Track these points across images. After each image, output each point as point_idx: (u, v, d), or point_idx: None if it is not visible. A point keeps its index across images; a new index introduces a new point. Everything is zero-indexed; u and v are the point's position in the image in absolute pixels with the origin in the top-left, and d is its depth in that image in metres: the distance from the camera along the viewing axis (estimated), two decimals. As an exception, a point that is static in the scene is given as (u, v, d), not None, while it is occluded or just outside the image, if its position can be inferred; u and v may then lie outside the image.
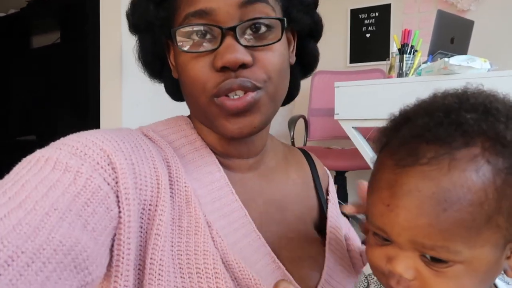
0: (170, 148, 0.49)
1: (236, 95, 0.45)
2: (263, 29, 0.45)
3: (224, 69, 0.44)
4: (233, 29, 0.43)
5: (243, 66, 0.44)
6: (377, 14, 2.84)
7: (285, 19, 0.47)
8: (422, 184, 0.33)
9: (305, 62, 0.59)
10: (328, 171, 0.69)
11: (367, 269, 0.48)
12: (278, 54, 0.47)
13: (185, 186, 0.46)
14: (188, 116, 0.57)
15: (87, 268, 0.34)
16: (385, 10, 2.80)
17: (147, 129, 0.51)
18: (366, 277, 0.48)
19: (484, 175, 0.32)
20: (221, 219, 0.48)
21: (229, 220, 0.48)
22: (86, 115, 2.08)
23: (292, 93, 0.58)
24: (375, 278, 0.46)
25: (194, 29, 0.45)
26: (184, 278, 0.42)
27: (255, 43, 0.45)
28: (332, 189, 0.65)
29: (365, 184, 0.46)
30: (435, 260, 0.34)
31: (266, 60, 0.46)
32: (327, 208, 0.61)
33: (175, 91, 0.57)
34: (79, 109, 2.27)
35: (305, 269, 0.52)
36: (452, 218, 0.32)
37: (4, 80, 2.97)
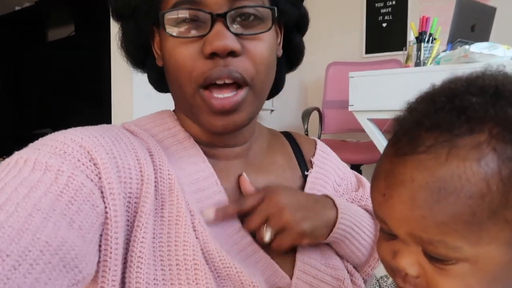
0: (153, 139, 0.49)
1: (225, 84, 0.44)
2: (252, 18, 0.45)
3: (212, 55, 0.43)
4: (223, 15, 0.43)
5: (232, 54, 0.43)
6: (394, 2, 2.76)
7: (275, 8, 0.46)
8: (416, 173, 0.31)
9: (291, 56, 0.58)
10: (317, 140, 0.68)
11: (378, 272, 0.46)
12: (267, 45, 0.47)
13: (169, 174, 0.46)
14: (173, 110, 0.57)
15: (77, 266, 0.34)
16: (403, -2, 2.72)
17: (129, 124, 0.51)
18: (377, 280, 0.46)
19: (487, 164, 0.29)
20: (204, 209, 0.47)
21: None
22: (99, 108, 2.09)
23: (277, 87, 0.59)
24: (388, 281, 0.44)
25: (184, 14, 0.44)
26: (164, 270, 0.42)
27: (244, 31, 0.45)
28: (320, 157, 0.64)
29: (246, 178, 0.51)
30: (437, 257, 0.32)
31: (255, 51, 0.45)
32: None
33: (159, 82, 0.56)
34: (92, 102, 2.29)
35: (290, 254, 0.52)
36: (448, 211, 0.30)
37: (20, 74, 3.02)
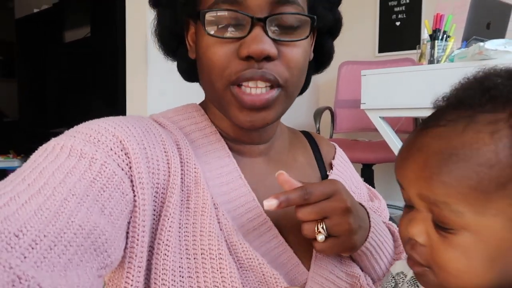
0: (181, 132, 0.50)
1: (257, 87, 0.45)
2: (291, 24, 0.46)
3: (248, 58, 0.44)
4: (263, 20, 0.43)
5: (267, 58, 0.44)
6: (407, 1, 2.73)
7: (315, 17, 0.47)
8: (433, 141, 0.34)
9: (320, 59, 0.59)
10: (336, 146, 0.68)
11: (394, 269, 0.46)
12: (302, 51, 0.47)
13: (195, 168, 0.47)
14: (200, 104, 0.58)
15: (106, 251, 0.35)
16: (417, -4, 2.69)
17: (157, 116, 0.52)
18: (393, 277, 0.46)
19: (500, 138, 0.31)
20: (228, 203, 0.48)
21: (236, 204, 0.49)
22: (114, 107, 2.13)
23: (303, 87, 0.59)
24: (406, 278, 0.44)
25: (225, 14, 0.44)
26: (189, 259, 0.43)
27: (282, 37, 0.45)
28: (339, 162, 0.64)
29: (284, 174, 0.47)
30: (442, 222, 0.34)
31: (290, 56, 0.46)
32: None
33: (189, 72, 0.57)
34: (107, 101, 2.33)
35: (310, 251, 0.52)
36: (454, 173, 0.32)
37: (39, 74, 3.09)
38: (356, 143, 2.41)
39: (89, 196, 0.35)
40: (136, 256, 0.40)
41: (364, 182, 0.71)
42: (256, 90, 0.45)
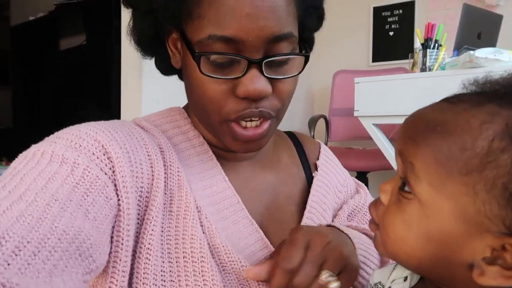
0: (163, 136, 0.49)
1: (251, 120, 0.46)
2: (286, 63, 0.46)
3: (245, 98, 0.44)
4: (259, 62, 0.43)
5: (264, 96, 0.45)
6: (400, 11, 2.77)
7: (309, 55, 0.48)
8: (432, 111, 0.35)
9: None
10: (321, 144, 0.68)
11: (372, 279, 0.46)
12: (294, 82, 0.48)
13: (178, 171, 0.46)
14: (184, 107, 0.57)
15: (91, 255, 0.35)
16: (409, 7, 2.73)
17: (140, 119, 0.51)
18: (371, 287, 0.46)
19: (487, 129, 0.30)
20: (212, 206, 0.48)
21: (220, 207, 0.49)
22: (108, 114, 2.13)
23: None
24: (384, 287, 0.44)
25: (220, 58, 0.43)
26: (172, 262, 0.42)
27: (277, 75, 0.45)
28: (324, 161, 0.64)
29: (250, 271, 0.43)
30: (405, 182, 0.35)
31: (284, 90, 0.47)
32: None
33: (169, 69, 0.55)
34: (102, 109, 2.33)
35: None
36: (428, 141, 0.33)
37: (34, 81, 3.08)
38: (350, 151, 2.42)
39: (72, 201, 0.35)
40: (120, 260, 0.39)
41: (352, 177, 0.70)
42: (251, 123, 0.46)
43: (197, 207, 0.46)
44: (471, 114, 0.32)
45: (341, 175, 0.66)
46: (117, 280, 0.39)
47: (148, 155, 0.45)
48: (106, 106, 2.22)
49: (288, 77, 0.46)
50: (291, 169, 0.60)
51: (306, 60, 0.47)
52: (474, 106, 0.32)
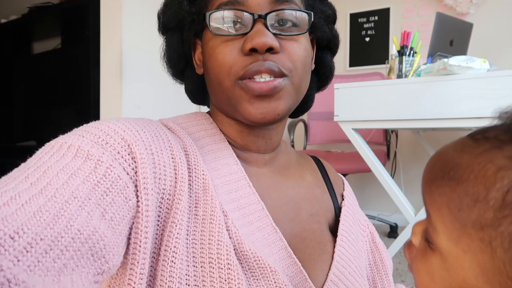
0: (189, 138, 0.49)
1: (262, 78, 0.46)
2: (290, 23, 0.48)
3: (252, 51, 0.45)
4: (264, 16, 0.46)
5: (271, 50, 0.46)
6: (376, 18, 2.85)
7: (312, 13, 0.49)
8: (453, 149, 0.31)
9: (321, 73, 0.60)
10: (343, 177, 0.69)
11: None
12: (303, 47, 0.49)
13: (203, 174, 0.46)
14: (207, 112, 0.59)
15: (104, 256, 0.34)
16: (385, 14, 2.82)
17: (167, 120, 0.52)
18: None
19: (502, 177, 0.26)
20: (237, 210, 0.47)
21: (245, 212, 0.48)
22: (87, 119, 2.09)
23: (307, 104, 0.61)
24: None
25: (227, 14, 0.47)
26: (196, 267, 0.42)
27: (282, 32, 0.48)
28: (349, 194, 0.65)
29: None
30: (426, 236, 0.33)
31: (291, 50, 0.48)
32: (340, 212, 0.61)
33: (196, 91, 0.59)
34: (80, 114, 2.28)
35: (316, 269, 0.52)
36: (443, 190, 0.30)
37: (6, 86, 2.99)
38: (329, 154, 2.46)
39: (91, 199, 0.34)
40: (138, 263, 0.39)
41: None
42: (262, 78, 0.46)
43: (223, 211, 0.45)
44: (490, 158, 0.27)
45: (362, 215, 0.67)
46: (134, 283, 0.38)
47: (172, 158, 0.44)
48: (84, 111, 2.18)
49: (294, 34, 0.48)
50: (315, 189, 0.60)
51: (310, 20, 0.49)
52: (495, 148, 0.28)
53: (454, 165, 0.29)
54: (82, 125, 0.43)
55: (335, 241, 0.56)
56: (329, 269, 0.53)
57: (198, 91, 0.57)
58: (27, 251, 0.28)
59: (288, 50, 0.47)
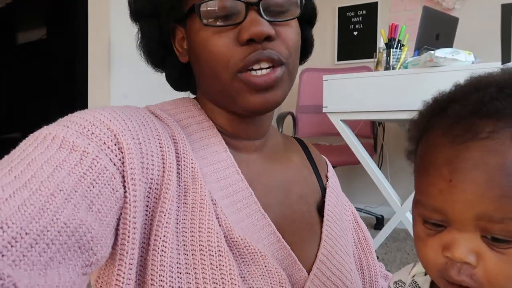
0: (177, 125, 0.49)
1: (261, 68, 0.46)
2: (282, 7, 0.47)
3: (249, 42, 0.44)
4: (257, 4, 0.44)
5: (268, 38, 0.45)
6: (364, 12, 2.88)
7: None
8: (488, 157, 0.31)
9: (302, 48, 0.59)
10: (326, 158, 0.69)
11: (391, 280, 0.47)
12: (295, 31, 0.49)
13: (192, 163, 0.46)
14: (195, 98, 0.57)
15: (92, 248, 0.34)
16: (372, 8, 2.84)
17: (154, 107, 0.51)
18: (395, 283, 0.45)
19: None
20: (226, 198, 0.47)
21: (234, 200, 0.48)
22: (73, 110, 2.06)
23: None
24: (405, 284, 0.44)
25: (217, 3, 0.45)
26: (187, 255, 0.42)
27: (277, 18, 0.47)
28: (332, 175, 0.66)
29: None
30: (498, 241, 0.32)
31: (286, 35, 0.47)
32: (325, 192, 0.62)
33: (178, 80, 0.57)
34: (66, 105, 2.25)
35: (305, 251, 0.53)
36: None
37: (-12, 77, 2.92)
38: (318, 146, 2.49)
39: (77, 192, 0.34)
40: (127, 253, 0.38)
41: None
42: (262, 72, 0.46)
43: (212, 200, 0.45)
44: None
45: (343, 195, 0.68)
46: (124, 273, 0.38)
47: (160, 147, 0.44)
48: (70, 102, 2.15)
49: (287, 20, 0.47)
50: (303, 170, 0.61)
51: (301, 3, 0.48)
52: None
53: (511, 167, 0.31)
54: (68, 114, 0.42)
55: (322, 221, 0.57)
56: (318, 249, 0.54)
57: (182, 78, 0.55)
58: (12, 246, 0.28)
59: (282, 36, 0.47)
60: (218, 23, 0.45)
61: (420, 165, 0.37)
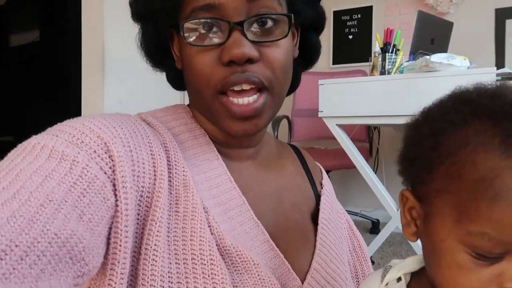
0: (169, 133, 0.48)
1: (242, 90, 0.45)
2: (269, 23, 0.45)
3: (230, 63, 0.44)
4: (240, 24, 0.43)
5: (250, 61, 0.44)
6: (359, 16, 2.89)
7: (292, 15, 0.46)
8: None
9: (307, 55, 0.59)
10: (320, 166, 0.69)
11: None
12: (284, 50, 0.47)
13: (183, 171, 0.45)
14: (188, 105, 0.57)
15: (84, 259, 0.34)
16: (367, 12, 2.85)
17: (145, 114, 0.50)
18: None
19: None
20: (218, 206, 0.47)
21: (226, 208, 0.48)
22: (67, 114, 2.04)
23: (293, 85, 0.59)
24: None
25: (202, 21, 0.45)
26: (179, 264, 0.41)
27: (262, 39, 0.45)
28: (327, 183, 0.65)
29: None
30: None
31: (272, 57, 0.46)
32: (319, 200, 0.61)
33: (178, 81, 0.57)
34: (60, 108, 2.23)
35: (299, 259, 0.52)
36: None
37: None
38: (313, 150, 2.48)
39: (68, 202, 0.33)
40: (118, 262, 0.38)
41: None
42: (243, 100, 0.45)
43: (204, 208, 0.45)
44: None
45: (338, 203, 0.68)
46: (115, 283, 0.38)
47: (151, 154, 0.43)
48: (64, 106, 2.13)
49: (273, 40, 0.45)
50: (296, 178, 0.60)
51: (290, 22, 0.46)
52: None
53: None
54: (61, 120, 0.42)
55: (316, 229, 0.57)
56: (312, 257, 0.54)
57: (181, 80, 0.54)
58: (1, 259, 0.27)
59: (268, 58, 0.45)
60: (201, 43, 0.45)
61: (479, 191, 0.31)
